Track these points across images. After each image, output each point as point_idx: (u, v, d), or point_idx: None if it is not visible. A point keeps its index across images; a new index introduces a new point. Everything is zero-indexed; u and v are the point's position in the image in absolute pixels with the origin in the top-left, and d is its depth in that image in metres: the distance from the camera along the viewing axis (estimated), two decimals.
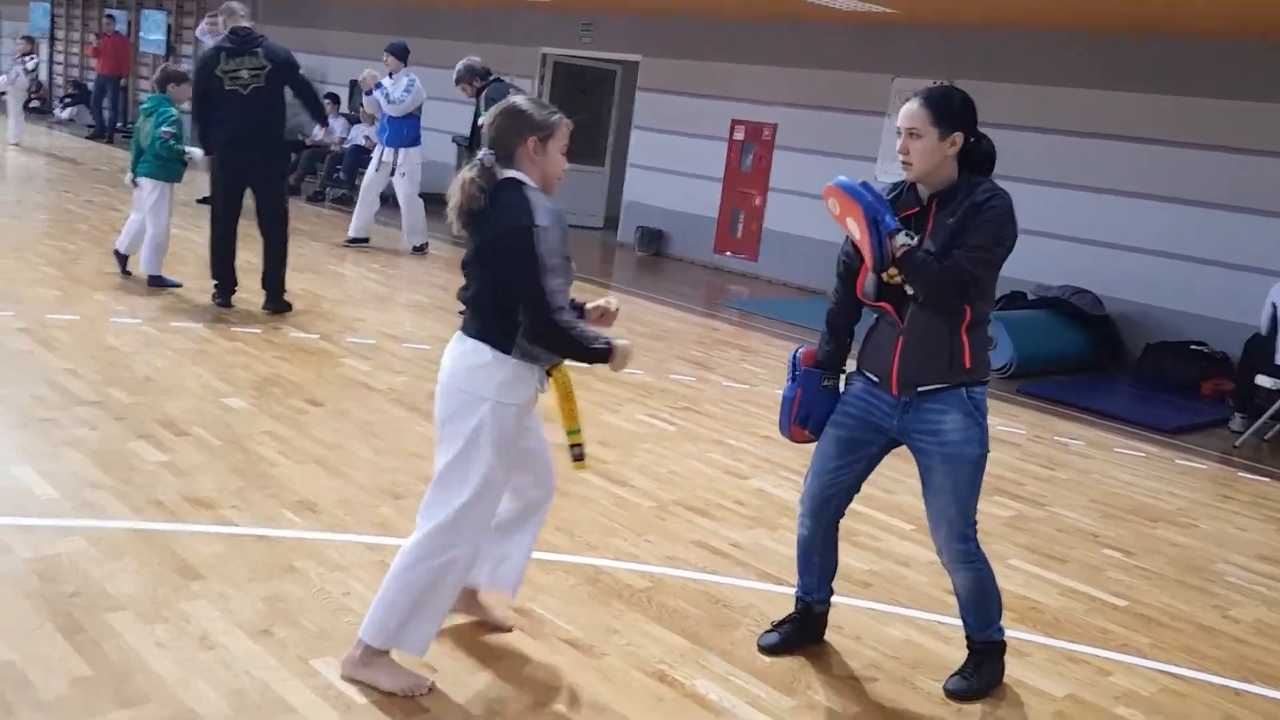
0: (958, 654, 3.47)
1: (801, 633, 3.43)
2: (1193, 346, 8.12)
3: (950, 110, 2.98)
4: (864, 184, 3.01)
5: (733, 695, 3.07)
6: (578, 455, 3.03)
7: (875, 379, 3.15)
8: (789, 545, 4.22)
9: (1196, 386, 7.85)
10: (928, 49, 10.02)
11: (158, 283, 7.14)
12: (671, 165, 12.17)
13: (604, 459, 4.94)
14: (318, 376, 5.64)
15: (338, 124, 12.94)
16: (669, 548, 4.07)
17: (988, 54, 9.57)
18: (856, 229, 3.00)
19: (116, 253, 7.36)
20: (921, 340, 3.04)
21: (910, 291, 3.00)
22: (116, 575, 3.24)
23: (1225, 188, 8.19)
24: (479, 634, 3.20)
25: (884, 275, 3.00)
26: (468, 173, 2.80)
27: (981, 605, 3.26)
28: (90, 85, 17.50)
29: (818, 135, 10.82)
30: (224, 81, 6.52)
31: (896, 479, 5.23)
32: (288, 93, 6.80)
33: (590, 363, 2.86)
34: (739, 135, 11.58)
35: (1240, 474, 6.19)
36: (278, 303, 6.87)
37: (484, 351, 2.80)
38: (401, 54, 9.78)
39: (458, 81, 8.58)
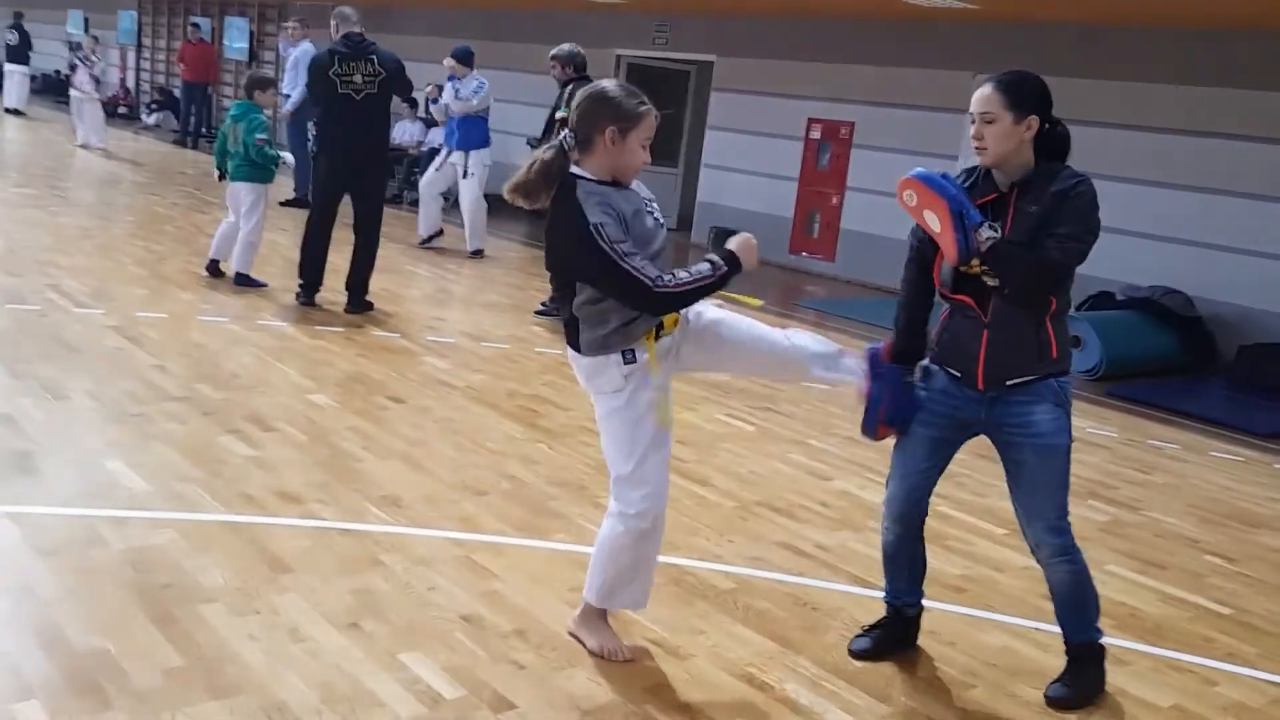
0: (1056, 662, 3.35)
1: (893, 637, 3.35)
2: None
3: (1025, 93, 2.90)
4: (944, 175, 2.92)
5: (825, 700, 3.00)
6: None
7: (958, 374, 3.05)
8: (876, 548, 4.09)
9: None
10: (1009, 45, 9.80)
11: (245, 282, 7.24)
12: (746, 165, 12.08)
13: (683, 458, 4.89)
14: (399, 374, 5.67)
15: (415, 128, 13.07)
16: (753, 549, 4.00)
17: (1071, 49, 9.33)
18: (936, 222, 2.90)
19: (212, 261, 7.46)
20: (1008, 332, 2.95)
21: (994, 284, 2.90)
22: (208, 567, 3.27)
23: None
24: (565, 634, 3.17)
25: (963, 267, 2.91)
26: (543, 153, 2.81)
27: (1079, 604, 3.15)
28: (176, 92, 17.91)
29: (896, 133, 10.65)
30: (337, 85, 6.60)
31: (988, 482, 5.11)
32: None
33: (725, 286, 2.83)
34: (815, 134, 11.45)
35: None
36: (360, 303, 6.93)
37: (570, 354, 2.94)
38: (465, 58, 9.67)
39: (552, 59, 8.19)
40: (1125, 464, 5.67)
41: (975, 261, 2.87)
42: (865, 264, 10.95)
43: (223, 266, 7.43)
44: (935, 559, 4.08)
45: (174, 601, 3.05)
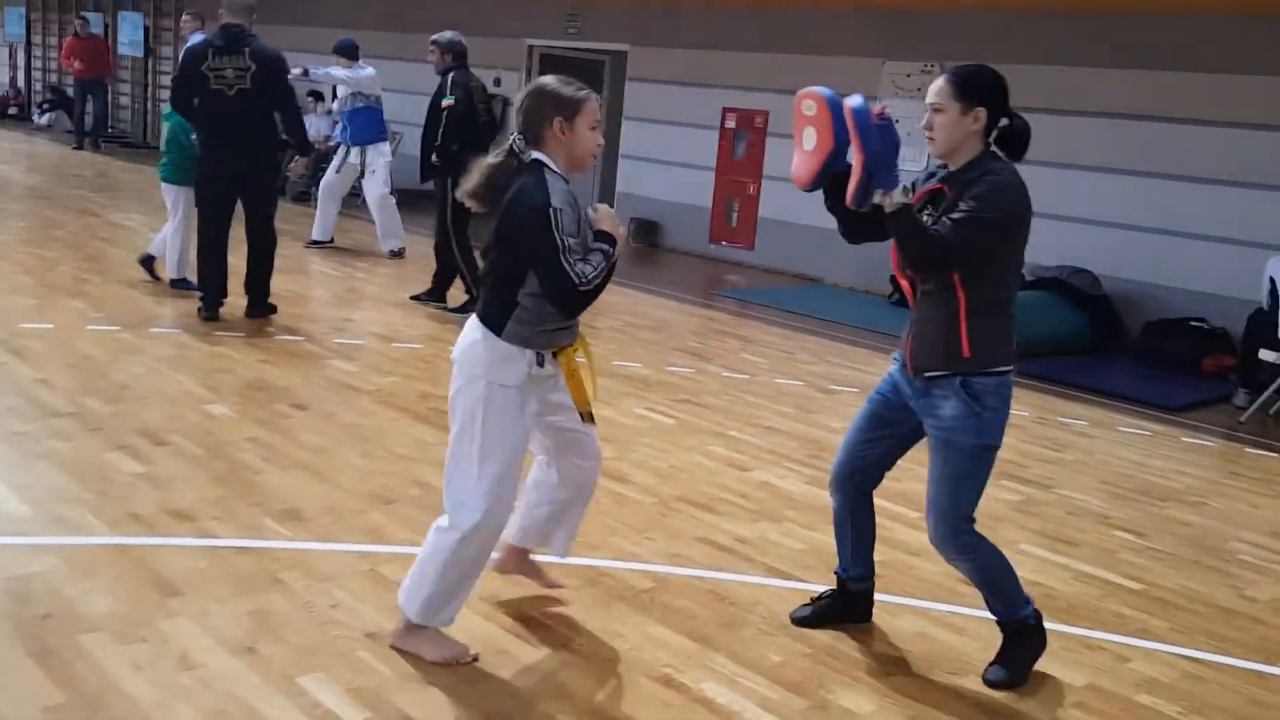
0: (972, 645, 3.36)
1: (836, 609, 3.41)
2: (1192, 323, 7.98)
3: (975, 85, 2.94)
4: (882, 124, 2.89)
5: (743, 698, 2.94)
6: (584, 417, 3.06)
7: (901, 362, 3.15)
8: (795, 538, 4.11)
9: (1197, 363, 7.72)
10: (918, 32, 9.87)
11: (180, 285, 7.11)
12: (663, 155, 12.01)
13: (603, 455, 4.79)
14: (303, 380, 5.48)
15: (323, 122, 12.78)
16: (672, 545, 3.93)
17: (979, 35, 9.42)
18: (810, 141, 2.96)
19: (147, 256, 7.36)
20: (925, 326, 3.03)
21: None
22: (91, 594, 3.10)
23: (1220, 162, 8.06)
24: (479, 643, 3.06)
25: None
26: (492, 157, 2.84)
27: (996, 589, 3.16)
28: (70, 90, 17.27)
29: None
30: (210, 80, 6.25)
31: (901, 465, 5.10)
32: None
33: (614, 262, 2.85)
34: (730, 123, 11.43)
35: (1247, 449, 6.07)
36: (262, 306, 6.68)
37: (479, 329, 2.86)
38: (345, 51, 9.31)
39: (432, 44, 7.79)
40: (1037, 442, 5.72)
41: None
42: (784, 252, 10.97)
43: (156, 267, 7.33)
44: None
45: (53, 633, 2.87)
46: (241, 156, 6.32)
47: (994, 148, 3.01)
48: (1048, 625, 3.50)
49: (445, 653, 2.94)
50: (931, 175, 3.12)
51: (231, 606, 3.10)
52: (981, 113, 2.93)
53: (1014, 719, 2.99)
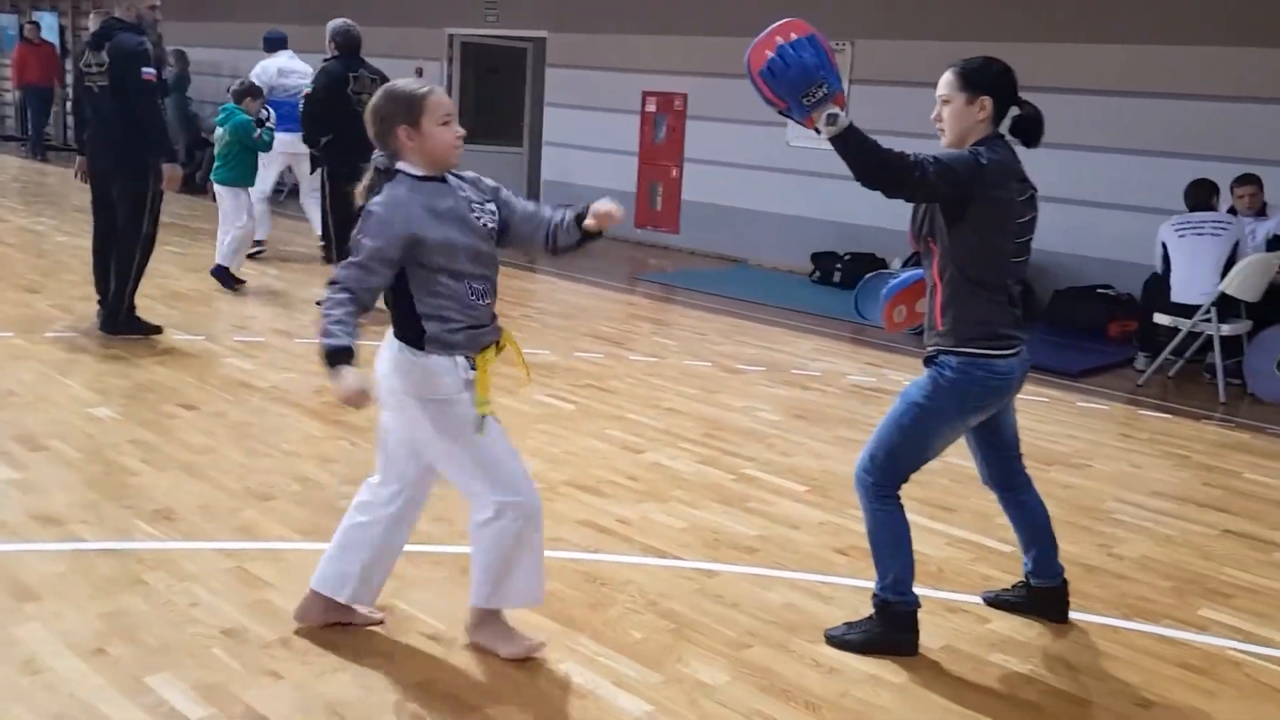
0: (839, 613, 3.44)
1: (1022, 600, 3.51)
2: (1099, 290, 8.15)
3: (980, 76, 3.06)
4: (813, 46, 2.90)
5: (599, 676, 2.99)
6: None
7: None
8: (678, 517, 4.17)
9: (1104, 329, 7.89)
10: (827, 12, 9.92)
11: (221, 275, 7.60)
12: (587, 141, 12.02)
13: None
14: (197, 379, 5.46)
15: None
16: (552, 529, 3.92)
17: (891, 13, 9.52)
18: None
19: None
20: (924, 306, 3.22)
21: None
22: None
23: (1119, 131, 8.22)
24: (339, 635, 3.09)
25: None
26: (360, 184, 2.84)
27: (875, 556, 3.23)
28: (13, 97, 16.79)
29: (728, 103, 10.70)
30: (84, 76, 6.11)
31: (797, 440, 5.20)
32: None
33: (326, 361, 2.72)
34: (651, 107, 11.45)
35: (1142, 412, 6.22)
36: (113, 324, 6.08)
37: (397, 347, 2.84)
38: (271, 45, 9.16)
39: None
40: None
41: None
42: (708, 234, 11.03)
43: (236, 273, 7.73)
44: (732, 522, 4.15)
45: None
46: (103, 154, 6.02)
47: (1006, 136, 3.10)
48: (919, 590, 3.59)
49: (516, 649, 2.99)
50: None
51: (87, 609, 3.10)
52: (987, 101, 3.03)
53: (863, 682, 3.06)
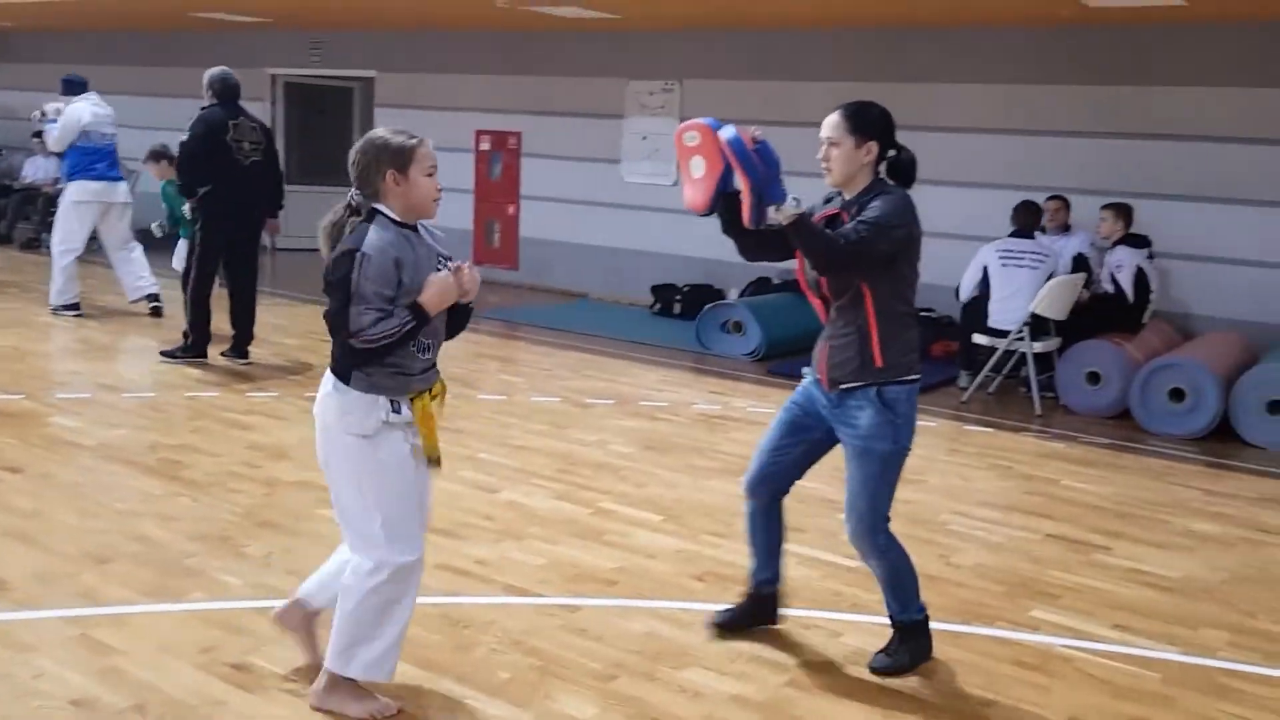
0: (697, 639, 3.53)
1: (749, 613, 3.58)
2: (922, 312, 8.59)
3: (867, 120, 3.19)
4: (759, 148, 3.05)
5: (465, 717, 2.99)
6: (432, 461, 2.97)
7: (816, 376, 3.35)
8: (536, 554, 4.20)
9: (927, 349, 8.31)
10: (656, 52, 10.21)
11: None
12: None
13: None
14: (19, 440, 5.17)
15: (50, 163, 12.07)
16: None
17: (714, 52, 9.86)
18: (700, 169, 3.14)
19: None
20: (839, 340, 3.23)
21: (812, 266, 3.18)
22: None
23: (941, 165, 8.70)
24: (194, 697, 2.99)
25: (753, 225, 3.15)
26: (327, 218, 2.85)
27: (898, 589, 3.39)
28: None
29: (561, 141, 10.86)
30: None
31: (650, 472, 5.30)
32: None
33: (412, 337, 2.76)
34: (485, 145, 11.50)
35: (967, 427, 6.59)
36: None
37: (330, 380, 2.85)
38: (72, 89, 8.71)
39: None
40: None
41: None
42: (547, 270, 11.11)
43: None
44: (590, 555, 4.21)
45: None
46: None
47: (884, 177, 3.25)
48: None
49: (369, 708, 2.92)
50: (829, 200, 3.34)
51: None
52: (874, 146, 3.18)
53: (728, 703, 3.16)
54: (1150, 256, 7.34)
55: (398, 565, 2.85)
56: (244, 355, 7.04)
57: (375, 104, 12.31)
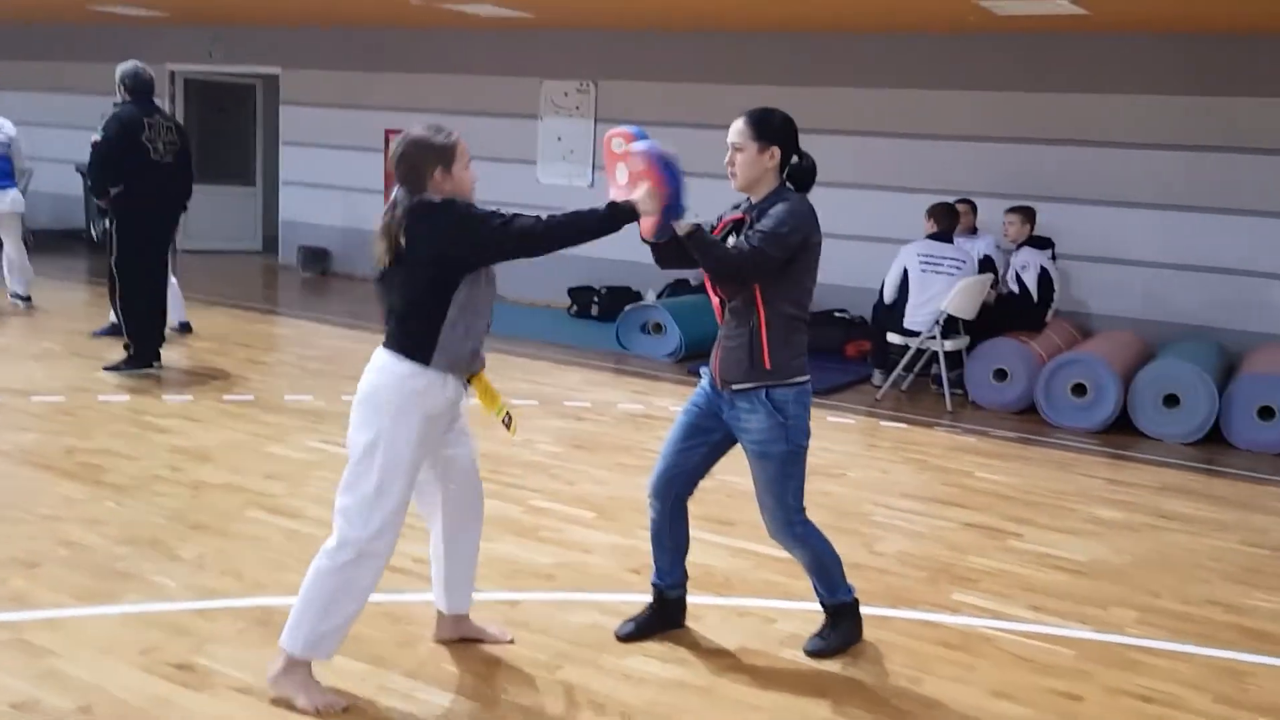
0: None
1: (656, 619, 3.60)
2: (835, 314, 8.82)
3: (770, 126, 3.28)
4: (670, 164, 3.14)
5: (417, 711, 3.03)
6: (506, 422, 3.22)
7: (712, 374, 3.42)
8: None
9: (842, 349, 8.55)
10: (571, 52, 10.27)
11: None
12: (327, 180, 11.82)
13: (272, 492, 4.73)
14: None
15: None
16: None
17: (628, 55, 9.95)
18: (623, 176, 3.21)
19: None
20: (730, 341, 3.31)
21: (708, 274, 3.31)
22: None
23: (851, 169, 8.95)
24: (142, 699, 2.97)
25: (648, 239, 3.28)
26: (384, 217, 2.96)
27: (823, 573, 3.51)
28: None
29: (474, 140, 10.70)
30: None
31: (580, 469, 5.36)
32: None
33: (617, 227, 3.05)
34: None
35: (883, 424, 6.79)
36: None
37: (403, 362, 2.96)
38: None
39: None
40: None
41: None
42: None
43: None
44: (528, 551, 4.26)
45: None
46: None
47: (786, 183, 3.33)
48: (705, 600, 3.84)
49: (317, 701, 2.95)
50: (737, 206, 3.43)
51: None
52: (776, 151, 3.28)
53: (671, 688, 3.24)
54: (1053, 258, 7.66)
55: (365, 548, 2.96)
56: (157, 358, 6.88)
57: (281, 101, 12.12)
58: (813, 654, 3.51)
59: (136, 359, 6.69)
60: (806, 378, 3.36)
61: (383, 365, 3.00)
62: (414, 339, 2.98)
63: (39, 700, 2.91)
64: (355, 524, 2.96)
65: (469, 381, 3.11)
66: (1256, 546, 4.86)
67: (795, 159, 3.34)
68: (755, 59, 9.37)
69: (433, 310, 2.96)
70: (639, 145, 3.17)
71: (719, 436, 3.46)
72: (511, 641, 3.44)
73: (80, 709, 2.89)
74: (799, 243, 3.24)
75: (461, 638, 3.42)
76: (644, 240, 3.36)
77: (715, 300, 3.42)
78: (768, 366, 3.26)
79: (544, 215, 3.01)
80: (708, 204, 3.58)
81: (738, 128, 3.31)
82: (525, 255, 3.02)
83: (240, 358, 7.45)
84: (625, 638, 3.54)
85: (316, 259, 11.77)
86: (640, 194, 3.08)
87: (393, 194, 3.01)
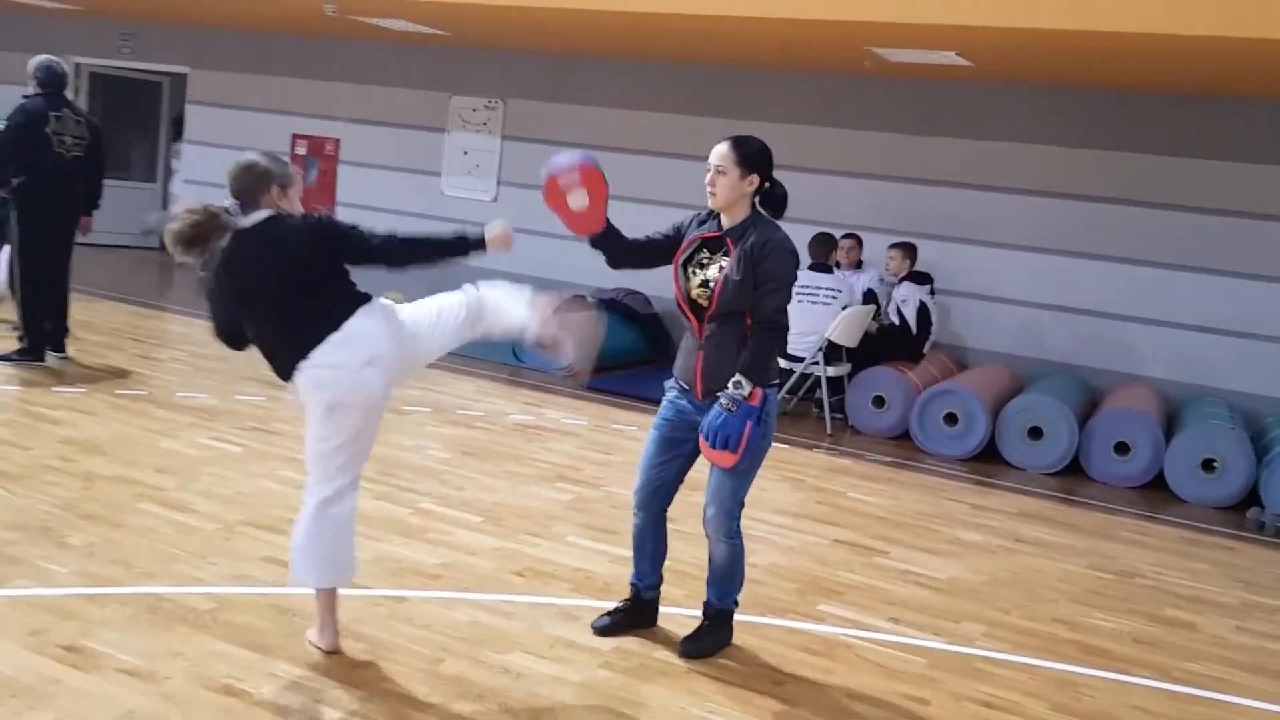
0: (518, 626, 3.78)
1: (631, 617, 3.85)
2: None
3: (752, 154, 3.51)
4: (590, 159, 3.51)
5: (304, 696, 3.15)
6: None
7: (685, 386, 3.62)
8: (361, 550, 4.23)
9: None
10: (481, 70, 10.44)
11: None
12: None
13: (162, 486, 4.78)
14: None
15: None
16: (236, 567, 4.04)
17: (537, 76, 10.16)
18: (582, 200, 3.55)
19: None
20: (717, 353, 3.52)
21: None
22: None
23: None
24: (28, 676, 3.03)
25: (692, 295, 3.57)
26: (189, 214, 3.20)
27: (727, 578, 3.73)
28: None
29: (382, 150, 10.91)
30: None
31: (468, 476, 5.51)
32: None
33: (467, 253, 3.44)
34: (301, 150, 11.40)
35: None
36: None
37: (325, 333, 3.24)
38: None
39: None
40: (591, 448, 6.36)
41: (698, 291, 3.54)
42: (360, 278, 11.06)
43: None
44: (414, 552, 4.40)
45: None
46: None
47: (759, 207, 3.57)
48: (584, 602, 4.04)
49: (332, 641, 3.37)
50: (704, 222, 3.64)
51: None
52: (756, 178, 3.52)
53: (547, 683, 3.42)
54: (932, 293, 8.07)
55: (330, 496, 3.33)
56: (60, 350, 6.84)
57: (187, 100, 12.01)
58: (687, 655, 3.72)
59: (30, 351, 6.64)
60: (777, 381, 3.66)
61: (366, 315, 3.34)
62: (327, 313, 3.33)
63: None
64: (327, 479, 3.32)
65: None
66: (1103, 571, 5.24)
67: (769, 185, 3.59)
68: (659, 87, 9.66)
69: (322, 290, 3.36)
70: (560, 161, 3.50)
71: (691, 447, 3.69)
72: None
73: None
74: (796, 278, 3.59)
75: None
76: (596, 246, 3.66)
77: (692, 318, 3.62)
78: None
79: (399, 232, 3.36)
80: (624, 224, 3.79)
81: (721, 152, 3.53)
82: (383, 261, 3.42)
83: (133, 353, 7.42)
84: (600, 630, 3.80)
85: None
86: (577, 199, 3.50)
87: (226, 204, 3.32)
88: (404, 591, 4.01)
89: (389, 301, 3.43)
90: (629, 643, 3.78)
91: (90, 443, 5.27)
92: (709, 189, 3.56)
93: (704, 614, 3.82)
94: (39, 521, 4.20)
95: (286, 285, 3.24)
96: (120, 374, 6.75)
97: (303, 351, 3.21)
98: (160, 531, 4.26)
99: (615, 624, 3.84)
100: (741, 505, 3.71)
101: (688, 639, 3.78)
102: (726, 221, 3.60)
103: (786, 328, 3.55)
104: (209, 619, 3.56)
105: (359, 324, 3.24)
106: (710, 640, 3.79)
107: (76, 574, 3.77)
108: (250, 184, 3.32)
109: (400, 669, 3.39)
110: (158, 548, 4.10)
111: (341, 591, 3.89)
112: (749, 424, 3.44)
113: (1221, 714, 3.81)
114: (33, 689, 2.99)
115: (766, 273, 3.47)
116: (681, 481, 3.82)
